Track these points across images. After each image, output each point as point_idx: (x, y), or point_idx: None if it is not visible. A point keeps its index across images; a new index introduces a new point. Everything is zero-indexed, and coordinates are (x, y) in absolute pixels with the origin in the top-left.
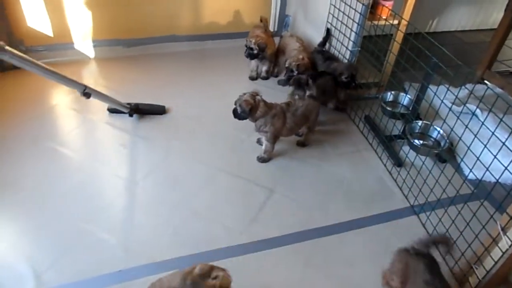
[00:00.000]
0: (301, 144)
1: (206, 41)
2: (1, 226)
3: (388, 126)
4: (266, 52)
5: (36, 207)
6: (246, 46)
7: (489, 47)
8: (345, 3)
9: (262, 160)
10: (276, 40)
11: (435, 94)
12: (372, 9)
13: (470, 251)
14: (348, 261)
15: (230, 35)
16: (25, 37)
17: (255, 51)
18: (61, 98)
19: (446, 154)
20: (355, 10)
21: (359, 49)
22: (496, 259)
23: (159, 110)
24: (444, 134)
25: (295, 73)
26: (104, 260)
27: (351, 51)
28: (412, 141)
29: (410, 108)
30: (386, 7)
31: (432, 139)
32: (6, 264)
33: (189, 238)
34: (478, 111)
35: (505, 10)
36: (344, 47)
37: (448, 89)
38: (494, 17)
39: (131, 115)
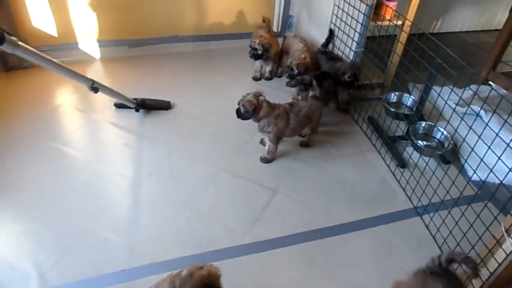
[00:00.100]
0: (304, 145)
1: (210, 42)
2: (5, 225)
3: (391, 127)
4: (270, 53)
5: (40, 206)
6: (250, 46)
7: (493, 48)
8: (349, 4)
9: (265, 160)
10: (280, 40)
11: (439, 95)
12: (376, 10)
13: (473, 253)
14: (351, 262)
15: (234, 36)
16: (30, 37)
17: (260, 52)
18: (66, 98)
19: (449, 155)
20: (358, 10)
21: (363, 49)
22: (500, 261)
23: (165, 105)
24: (448, 135)
25: (295, 72)
26: (107, 259)
27: (354, 52)
28: (415, 142)
29: (414, 109)
30: (390, 7)
31: (435, 140)
32: (10, 263)
33: (192, 238)
34: (482, 112)
35: (510, 11)
36: (347, 48)
37: (452, 90)
38: (499, 18)
39: (137, 110)
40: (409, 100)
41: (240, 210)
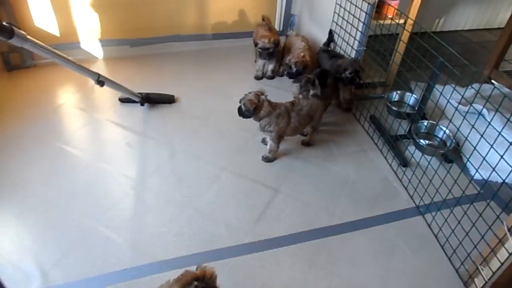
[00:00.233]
0: (306, 144)
1: (212, 41)
2: (8, 224)
3: (393, 126)
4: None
5: (42, 206)
6: (261, 48)
7: (496, 47)
8: (351, 2)
9: (267, 159)
10: (282, 39)
11: (441, 93)
12: (378, 8)
13: (476, 252)
14: (352, 261)
15: (235, 35)
16: (32, 37)
17: (271, 50)
18: (68, 97)
19: (452, 154)
20: (360, 9)
21: (365, 48)
22: (502, 260)
23: (168, 99)
24: (450, 134)
25: (294, 70)
26: (109, 258)
27: (356, 51)
28: (418, 141)
29: (416, 108)
30: (392, 6)
31: (438, 139)
32: (13, 262)
33: (194, 237)
34: (484, 111)
35: None
36: (349, 47)
37: (454, 89)
38: (502, 16)
39: (142, 104)
40: (411, 99)
41: (241, 209)
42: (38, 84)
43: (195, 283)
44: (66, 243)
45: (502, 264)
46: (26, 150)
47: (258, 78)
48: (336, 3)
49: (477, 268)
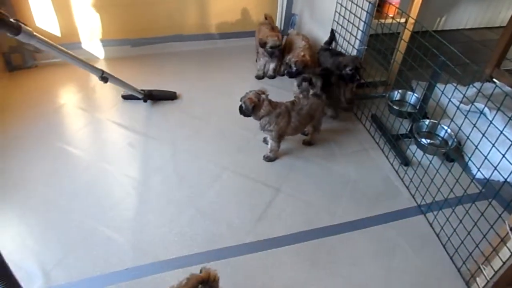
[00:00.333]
0: (307, 143)
1: (213, 40)
2: (9, 224)
3: (395, 125)
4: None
5: (44, 206)
6: (272, 47)
7: (497, 45)
8: (352, 2)
9: (268, 159)
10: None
11: (442, 92)
12: (379, 8)
13: (478, 251)
14: (353, 260)
15: (236, 34)
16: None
17: (281, 48)
18: (69, 97)
19: (453, 153)
20: (361, 8)
21: (366, 47)
22: (504, 260)
23: (171, 96)
24: (452, 133)
25: (294, 69)
26: (111, 258)
27: (357, 50)
28: (419, 140)
29: (417, 107)
30: (393, 5)
31: (439, 138)
32: (15, 261)
33: (195, 237)
34: (486, 110)
35: None
36: (350, 46)
37: (456, 88)
38: (503, 15)
39: (145, 101)
40: (412, 98)
41: (243, 209)
42: (39, 84)
43: (200, 286)
44: (68, 243)
45: (504, 263)
46: (28, 150)
47: (259, 77)
48: (337, 2)
49: (479, 267)
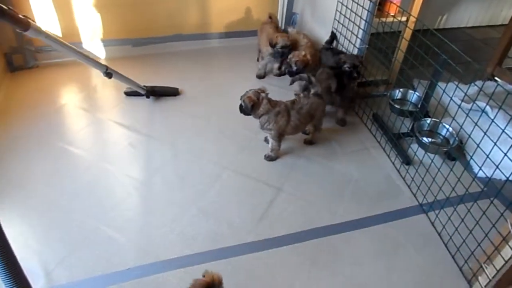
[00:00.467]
0: (308, 142)
1: (214, 40)
2: (11, 224)
3: (396, 124)
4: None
5: (46, 206)
6: (283, 46)
7: (499, 43)
8: (353, 0)
9: (269, 158)
10: None
11: (444, 91)
12: (380, 6)
13: (479, 250)
14: (355, 260)
15: (238, 34)
16: (34, 38)
17: (291, 47)
18: (70, 97)
19: (455, 152)
20: (362, 7)
21: (367, 46)
22: (506, 258)
23: (173, 92)
24: (453, 132)
25: (294, 69)
26: (112, 258)
27: (358, 49)
28: (420, 139)
29: (419, 106)
30: (394, 3)
31: (441, 136)
32: None
33: (196, 236)
34: (488, 108)
35: None
36: (351, 45)
37: (457, 86)
38: (505, 13)
39: (147, 97)
40: (413, 96)
41: (244, 208)
42: (40, 84)
43: None
44: (70, 242)
45: (506, 262)
46: (29, 151)
47: (260, 76)
48: (338, 1)
49: (481, 266)
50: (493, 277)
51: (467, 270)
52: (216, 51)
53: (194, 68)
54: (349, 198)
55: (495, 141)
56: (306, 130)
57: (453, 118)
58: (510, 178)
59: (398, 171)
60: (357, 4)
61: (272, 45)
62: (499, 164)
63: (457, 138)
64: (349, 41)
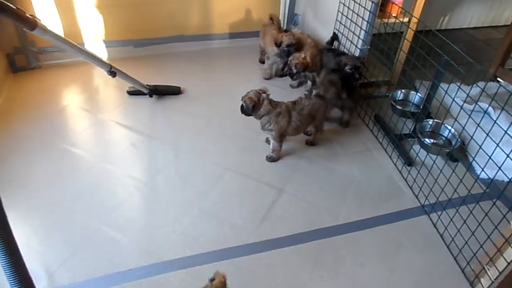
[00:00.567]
0: (310, 143)
1: (216, 41)
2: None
3: (398, 125)
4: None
5: (47, 207)
6: (288, 45)
7: (501, 44)
8: (355, 1)
9: (271, 159)
10: None
11: (446, 92)
12: (382, 7)
13: (482, 252)
14: (357, 261)
15: (239, 35)
16: (37, 39)
17: (296, 46)
18: (72, 98)
19: (457, 153)
20: (364, 8)
21: (369, 47)
22: (509, 260)
23: (175, 90)
24: (456, 133)
25: (294, 71)
26: (114, 259)
27: (360, 50)
28: (422, 140)
29: (421, 107)
30: (396, 4)
31: (443, 138)
32: None
33: (198, 237)
34: (490, 109)
35: None
36: (353, 46)
37: (459, 87)
38: (508, 13)
39: (150, 96)
40: (416, 97)
41: (246, 209)
42: (43, 85)
43: None
44: (72, 243)
45: (508, 264)
46: (31, 151)
47: (267, 78)
48: (340, 2)
49: (483, 268)
50: (495, 279)
51: (469, 271)
52: (218, 52)
53: (196, 68)
54: (351, 199)
55: (497, 142)
56: (307, 131)
57: (455, 119)
58: None
59: (400, 172)
60: (359, 5)
61: (278, 44)
62: (501, 165)
63: (459, 139)
64: (351, 42)
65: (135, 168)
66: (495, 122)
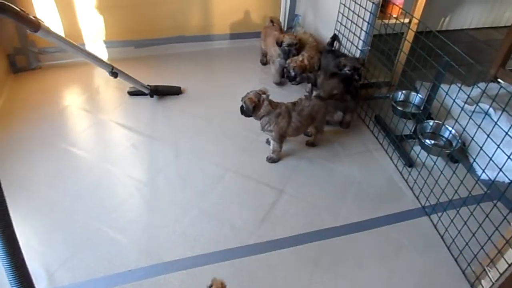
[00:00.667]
0: (311, 144)
1: (216, 41)
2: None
3: (399, 126)
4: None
5: (48, 207)
6: (289, 45)
7: (502, 45)
8: (355, 2)
9: (271, 160)
10: None
11: (446, 93)
12: (383, 8)
13: (482, 253)
14: (357, 262)
15: (240, 35)
16: (37, 39)
17: (298, 46)
18: (73, 98)
19: (458, 154)
20: (365, 9)
21: (369, 48)
22: (510, 262)
23: (176, 91)
24: (456, 134)
25: (292, 74)
26: (114, 259)
27: (361, 51)
28: (423, 141)
29: (421, 108)
30: (397, 5)
31: (443, 139)
32: None
33: (198, 238)
34: (491, 111)
35: None
36: (354, 47)
37: (460, 88)
38: (508, 14)
39: (151, 96)
40: (416, 98)
41: (246, 210)
42: (43, 86)
43: None
44: (72, 244)
45: (509, 265)
46: (32, 152)
47: (278, 83)
48: (340, 3)
49: (484, 270)
50: (496, 281)
51: (470, 273)
52: (218, 52)
53: (196, 69)
54: (351, 200)
55: (498, 143)
56: (308, 132)
57: (456, 120)
58: None
59: (401, 173)
60: (360, 6)
61: (279, 44)
62: (502, 166)
63: (460, 140)
64: (352, 43)
65: (136, 168)
66: (496, 123)
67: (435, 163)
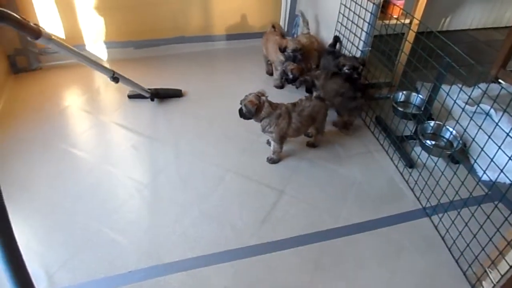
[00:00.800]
0: (311, 145)
1: (216, 42)
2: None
3: (399, 126)
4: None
5: (48, 208)
6: (294, 50)
7: (503, 46)
8: (356, 3)
9: (271, 161)
10: None
11: (447, 94)
12: (383, 8)
13: (483, 255)
14: (358, 263)
15: (240, 36)
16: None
17: (302, 51)
18: (73, 99)
19: (459, 155)
20: (366, 9)
21: (370, 49)
22: (511, 263)
23: (177, 93)
24: (457, 135)
25: (290, 76)
26: (115, 260)
27: (362, 51)
28: (424, 141)
29: (422, 108)
30: (398, 6)
31: (444, 139)
32: None
33: (199, 239)
34: (492, 111)
35: None
36: (355, 47)
37: (461, 89)
38: (509, 15)
39: (152, 99)
40: (417, 99)
41: (246, 211)
42: (44, 86)
43: None
44: (72, 245)
45: (510, 266)
46: (32, 153)
47: (279, 86)
48: (341, 4)
49: (485, 271)
50: (497, 282)
51: (471, 274)
52: (219, 53)
53: (196, 70)
54: (352, 201)
55: (499, 144)
56: (309, 132)
57: (457, 121)
58: None
59: (401, 174)
60: (360, 6)
61: (282, 50)
62: (503, 167)
63: (460, 141)
64: (352, 43)
65: (136, 169)
66: (497, 124)
67: (436, 164)
